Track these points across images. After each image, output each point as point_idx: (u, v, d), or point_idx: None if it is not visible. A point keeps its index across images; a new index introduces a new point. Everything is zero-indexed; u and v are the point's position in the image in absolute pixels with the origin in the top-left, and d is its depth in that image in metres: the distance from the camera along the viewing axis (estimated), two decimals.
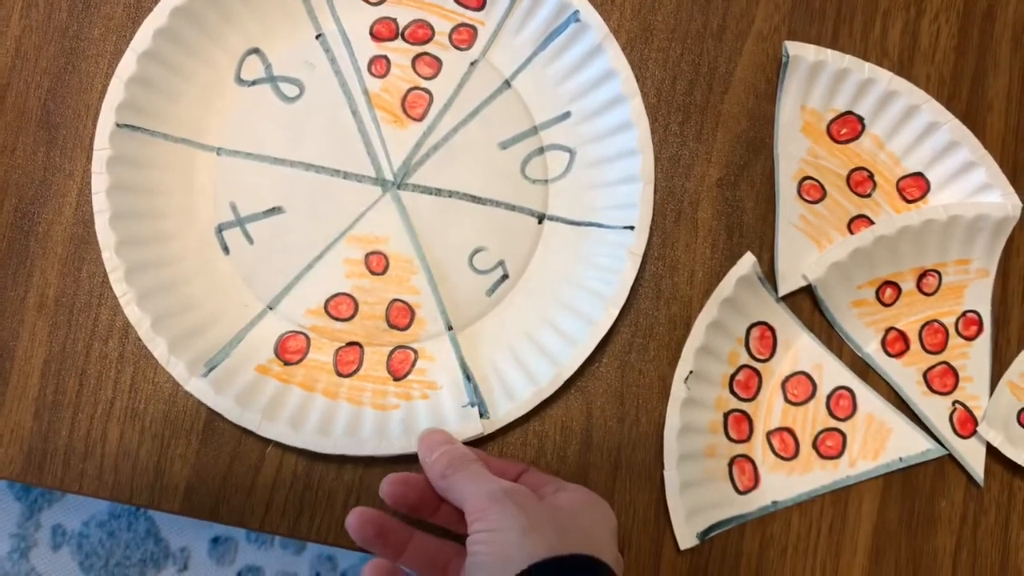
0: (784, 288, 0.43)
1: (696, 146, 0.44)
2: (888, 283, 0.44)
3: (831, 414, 0.43)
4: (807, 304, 0.44)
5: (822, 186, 0.44)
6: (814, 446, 0.43)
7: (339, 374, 0.42)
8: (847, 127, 0.44)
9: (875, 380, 0.44)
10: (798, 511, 0.43)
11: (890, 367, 0.43)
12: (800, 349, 0.44)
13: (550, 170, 0.44)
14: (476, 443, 0.41)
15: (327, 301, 0.42)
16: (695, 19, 0.45)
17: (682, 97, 0.44)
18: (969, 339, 0.44)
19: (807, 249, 0.43)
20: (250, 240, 0.43)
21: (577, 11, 0.42)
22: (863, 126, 0.44)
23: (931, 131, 0.43)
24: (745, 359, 0.43)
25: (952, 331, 0.44)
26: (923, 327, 0.44)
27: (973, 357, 0.44)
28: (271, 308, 0.42)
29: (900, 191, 0.44)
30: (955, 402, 0.43)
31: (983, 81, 0.45)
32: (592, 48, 0.42)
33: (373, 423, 0.41)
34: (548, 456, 0.43)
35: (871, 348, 0.44)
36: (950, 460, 0.43)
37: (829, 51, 0.43)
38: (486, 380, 0.42)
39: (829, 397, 0.43)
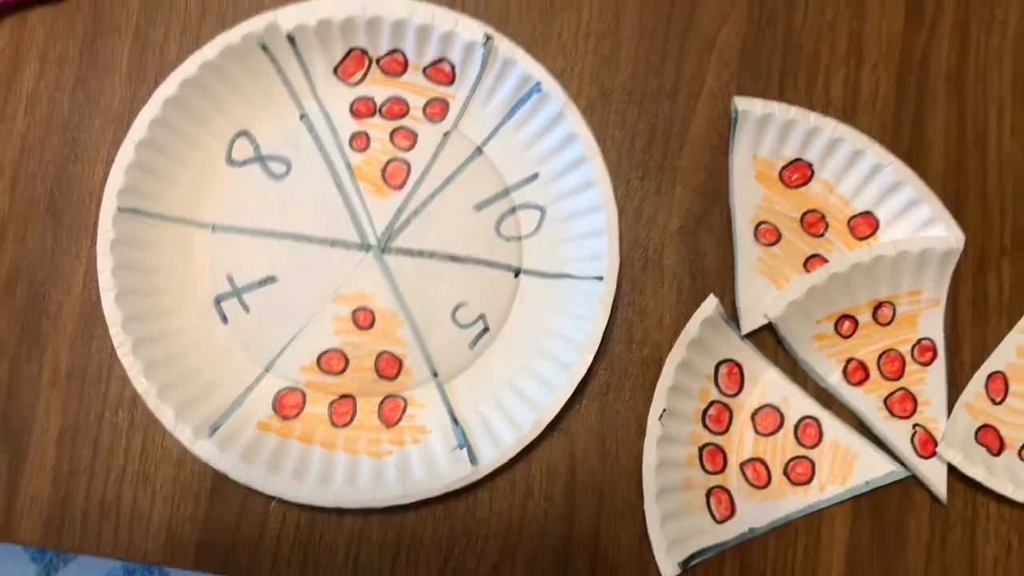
0: (747, 327, 0.46)
1: (657, 199, 0.48)
2: (845, 316, 0.47)
3: (799, 443, 0.46)
4: (770, 340, 0.47)
5: (777, 229, 0.47)
6: (785, 474, 0.46)
7: (334, 425, 0.45)
8: (797, 173, 0.47)
9: (839, 408, 0.47)
10: (774, 536, 0.45)
11: (852, 395, 0.46)
12: (766, 383, 0.46)
13: (523, 227, 0.47)
14: (466, 488, 0.44)
15: (319, 357, 0.45)
16: (650, 82, 0.48)
17: (641, 154, 0.48)
18: (925, 365, 0.46)
19: (766, 289, 0.46)
20: (246, 309, 0.46)
21: (539, 83, 0.45)
22: (812, 171, 0.47)
23: (876, 173, 0.46)
24: (715, 395, 0.46)
25: (908, 358, 0.47)
26: (881, 356, 0.47)
27: (929, 382, 0.46)
28: (268, 370, 0.45)
29: (851, 230, 0.47)
30: (915, 425, 0.46)
31: (922, 123, 0.48)
32: (554, 115, 0.45)
33: (369, 470, 0.44)
34: (535, 497, 0.45)
35: (833, 379, 0.47)
36: (914, 480, 0.46)
37: (776, 104, 0.46)
38: (472, 428, 0.45)
39: (796, 427, 0.46)
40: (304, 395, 0.45)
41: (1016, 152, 0.48)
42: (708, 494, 0.45)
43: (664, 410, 0.44)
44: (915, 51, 0.49)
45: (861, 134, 0.46)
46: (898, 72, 0.49)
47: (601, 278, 0.45)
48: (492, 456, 0.43)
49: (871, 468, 0.45)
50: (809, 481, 0.45)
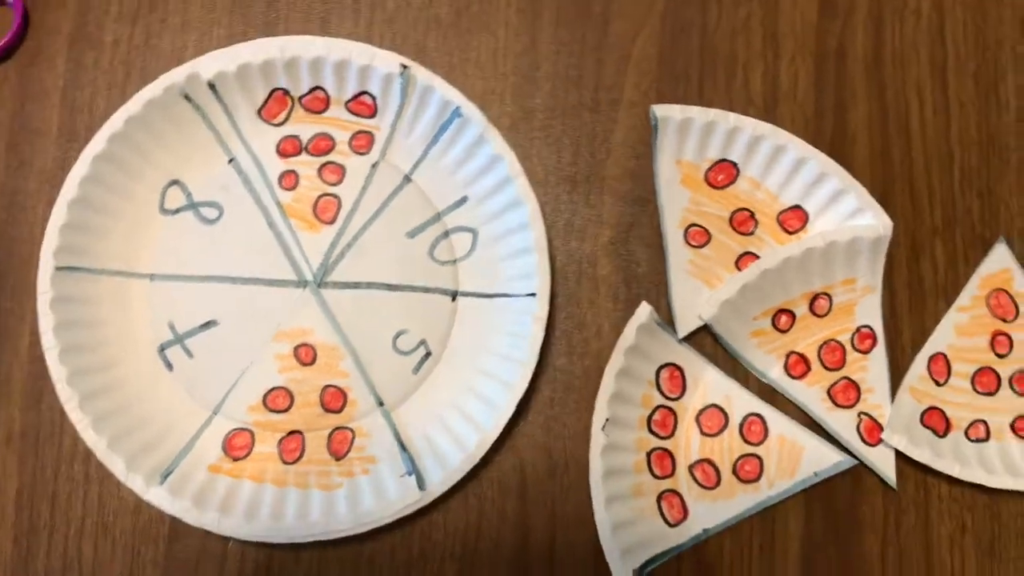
0: (683, 330, 0.46)
1: (587, 211, 0.48)
2: (782, 311, 0.47)
3: (745, 440, 0.46)
4: (709, 340, 0.47)
5: (707, 231, 0.48)
6: (734, 473, 0.46)
7: (284, 462, 0.46)
8: (723, 173, 0.48)
9: (783, 403, 0.47)
10: (729, 536, 0.46)
11: (795, 389, 0.47)
12: (708, 384, 0.47)
13: (457, 251, 0.48)
14: (419, 512, 0.44)
15: (265, 396, 0.46)
16: (570, 96, 0.49)
17: (568, 168, 0.48)
18: (865, 352, 0.47)
19: (700, 290, 0.47)
20: (190, 355, 0.46)
21: (458, 107, 0.46)
22: (738, 170, 0.48)
23: (800, 166, 0.47)
24: (659, 400, 0.46)
25: (849, 347, 0.47)
26: (821, 347, 0.47)
27: (871, 369, 0.47)
28: (215, 413, 0.46)
29: (781, 224, 0.48)
30: (860, 413, 0.46)
31: (844, 113, 0.49)
32: (476, 138, 0.46)
33: (320, 503, 0.44)
34: (488, 515, 0.46)
35: (775, 373, 0.47)
36: (864, 468, 0.46)
37: (694, 108, 0.47)
38: (421, 453, 0.45)
39: (741, 425, 0.46)
40: (253, 435, 0.46)
41: (939, 135, 0.49)
42: (659, 499, 0.46)
43: (607, 419, 0.44)
44: (831, 41, 0.50)
45: (781, 130, 0.47)
46: (816, 64, 0.49)
47: (534, 295, 0.45)
48: (439, 479, 0.44)
49: (818, 460, 0.46)
50: (758, 478, 0.46)
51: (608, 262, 0.48)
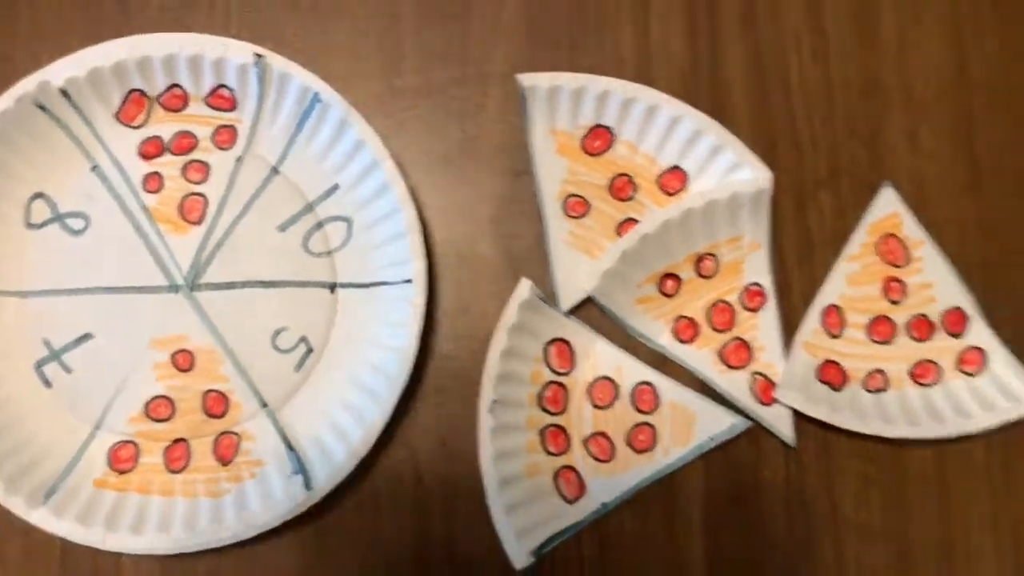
0: (566, 303, 0.45)
1: (465, 188, 0.47)
2: (667, 275, 0.46)
3: (637, 410, 0.45)
4: (596, 312, 0.46)
5: (586, 200, 0.46)
6: (628, 443, 0.45)
7: (171, 471, 0.45)
8: (599, 139, 0.47)
9: (676, 369, 0.46)
10: (629, 507, 0.45)
11: (685, 353, 0.46)
12: (598, 355, 0.46)
13: (332, 241, 0.46)
14: (305, 514, 0.43)
15: (146, 406, 0.45)
16: (437, 71, 0.47)
17: (441, 146, 0.47)
18: (755, 311, 0.46)
19: (581, 262, 0.46)
20: (68, 370, 0.45)
21: (317, 93, 0.45)
22: (613, 135, 0.47)
23: (674, 126, 0.45)
24: (548, 376, 0.45)
25: (738, 307, 0.46)
26: (709, 309, 0.46)
27: (762, 327, 0.46)
28: (98, 427, 0.45)
29: (662, 187, 0.47)
30: (754, 373, 0.45)
31: (720, 67, 0.47)
32: (339, 123, 0.45)
33: (209, 511, 0.43)
34: (384, 509, 0.45)
35: (664, 339, 0.46)
36: (762, 429, 0.45)
37: (562, 75, 0.45)
38: (308, 452, 0.44)
39: (632, 394, 0.45)
40: (137, 446, 0.45)
41: (819, 81, 0.48)
42: (555, 476, 0.45)
43: (494, 400, 0.43)
44: None
45: (653, 90, 0.46)
46: (687, 18, 0.48)
47: (410, 281, 0.44)
48: (327, 475, 0.43)
49: (712, 424, 0.45)
50: (653, 447, 0.45)
51: (489, 240, 0.47)
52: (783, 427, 0.45)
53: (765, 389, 0.45)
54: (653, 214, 0.45)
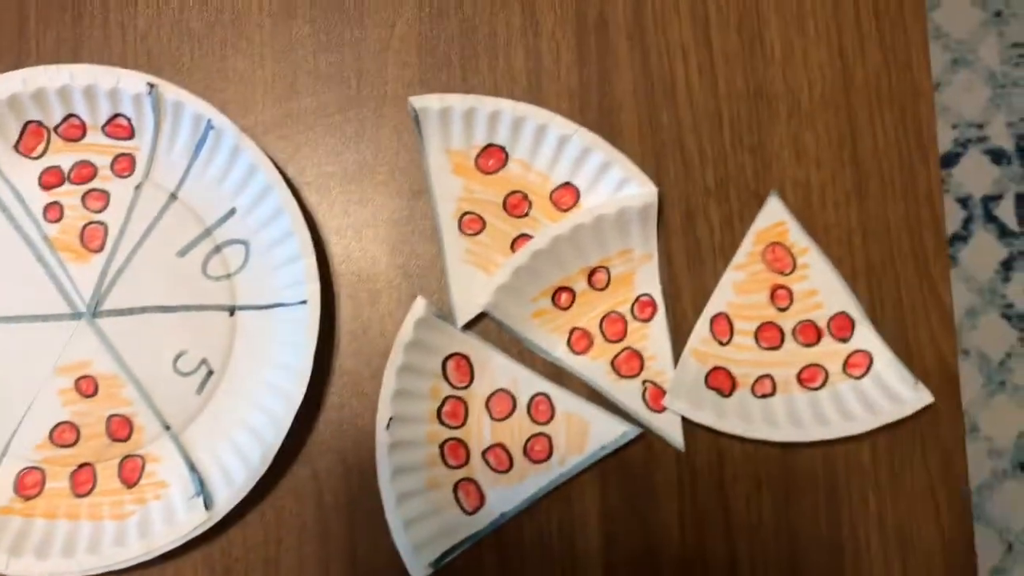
0: (462, 319, 0.46)
1: (361, 209, 0.48)
2: (561, 289, 0.47)
3: (533, 420, 0.46)
4: (493, 326, 0.47)
5: (481, 217, 0.47)
6: (525, 454, 0.46)
7: (77, 495, 0.45)
8: (492, 158, 0.48)
9: (571, 379, 0.47)
10: (527, 517, 0.46)
11: (579, 364, 0.47)
12: (495, 369, 0.47)
13: (230, 264, 0.47)
14: (207, 532, 0.44)
15: (51, 432, 0.46)
16: (332, 95, 0.48)
17: (337, 168, 0.48)
18: (646, 321, 0.47)
19: (477, 278, 0.47)
20: None
21: (210, 120, 0.45)
22: (506, 154, 0.48)
23: (564, 144, 0.46)
24: (447, 391, 0.46)
25: (629, 317, 0.47)
26: (602, 320, 0.47)
27: (652, 337, 0.47)
28: (3, 455, 0.46)
29: (555, 203, 0.48)
30: (644, 382, 0.46)
31: (609, 84, 0.48)
32: (232, 149, 0.46)
33: (113, 533, 0.44)
34: (288, 526, 0.46)
35: (559, 351, 0.47)
36: (655, 436, 0.46)
37: (452, 96, 0.46)
38: (211, 473, 0.45)
39: (528, 406, 0.46)
40: (43, 472, 0.46)
41: (706, 94, 0.49)
42: (455, 488, 0.46)
43: (391, 418, 0.44)
44: (591, 12, 0.49)
45: (542, 109, 0.47)
46: (577, 36, 0.49)
47: (305, 302, 0.45)
48: (226, 498, 0.44)
49: (605, 433, 0.46)
50: (549, 457, 0.46)
51: (387, 260, 0.47)
52: (673, 433, 0.46)
53: (656, 397, 0.46)
54: (545, 230, 0.46)
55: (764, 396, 0.46)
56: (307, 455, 0.46)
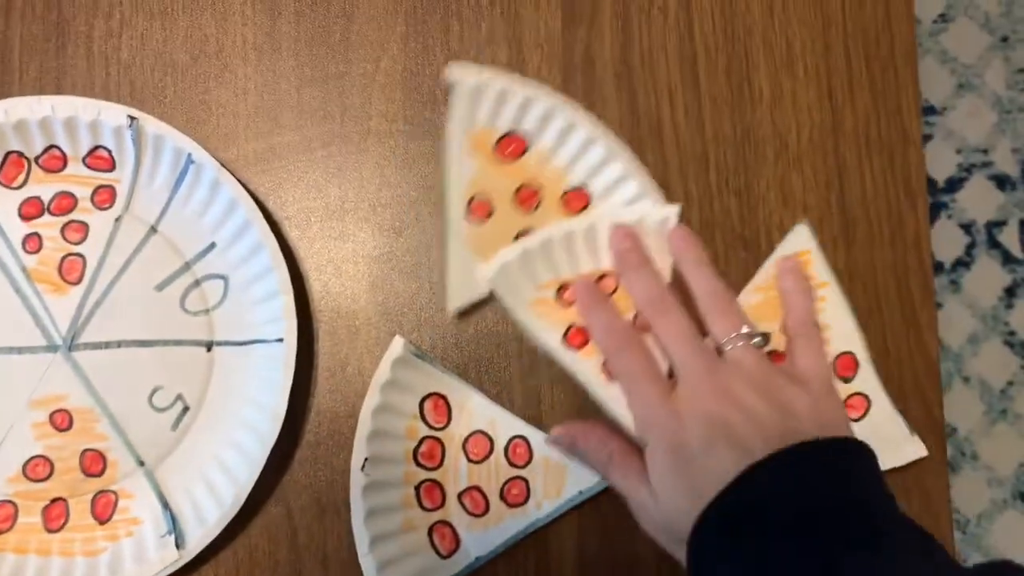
0: (454, 304, 0.46)
1: (341, 245, 0.47)
2: (567, 286, 0.46)
3: (511, 464, 0.46)
4: (473, 366, 0.47)
5: (490, 204, 0.46)
6: (502, 497, 0.45)
7: (49, 531, 0.45)
8: (512, 146, 0.47)
9: (550, 423, 0.46)
10: (503, 561, 0.45)
11: (570, 359, 0.45)
12: (472, 409, 0.46)
13: (209, 299, 0.47)
14: (178, 572, 0.44)
15: (24, 466, 0.46)
16: (314, 130, 0.48)
17: (319, 204, 0.48)
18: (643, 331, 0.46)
19: (474, 265, 0.46)
20: None
21: (190, 154, 0.45)
22: (527, 145, 0.47)
23: (588, 147, 0.46)
24: (424, 431, 0.46)
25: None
26: None
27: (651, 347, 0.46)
28: None
29: (565, 204, 0.47)
30: None
31: (596, 120, 0.48)
32: (213, 183, 0.45)
33: (83, 571, 0.44)
34: (260, 565, 0.45)
35: (552, 343, 0.45)
36: None
37: (490, 73, 0.46)
38: (183, 511, 0.45)
39: (506, 448, 0.46)
40: (16, 506, 0.45)
41: (693, 136, 0.48)
42: (430, 531, 0.45)
43: (366, 459, 0.44)
44: (577, 48, 0.49)
45: (574, 108, 0.46)
46: (563, 74, 0.48)
47: (282, 340, 0.44)
48: (198, 536, 0.43)
49: (583, 478, 0.45)
50: (526, 501, 0.45)
51: (367, 297, 0.47)
52: None
53: None
54: (560, 224, 0.46)
55: None
56: (281, 493, 0.46)
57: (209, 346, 0.47)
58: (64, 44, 0.48)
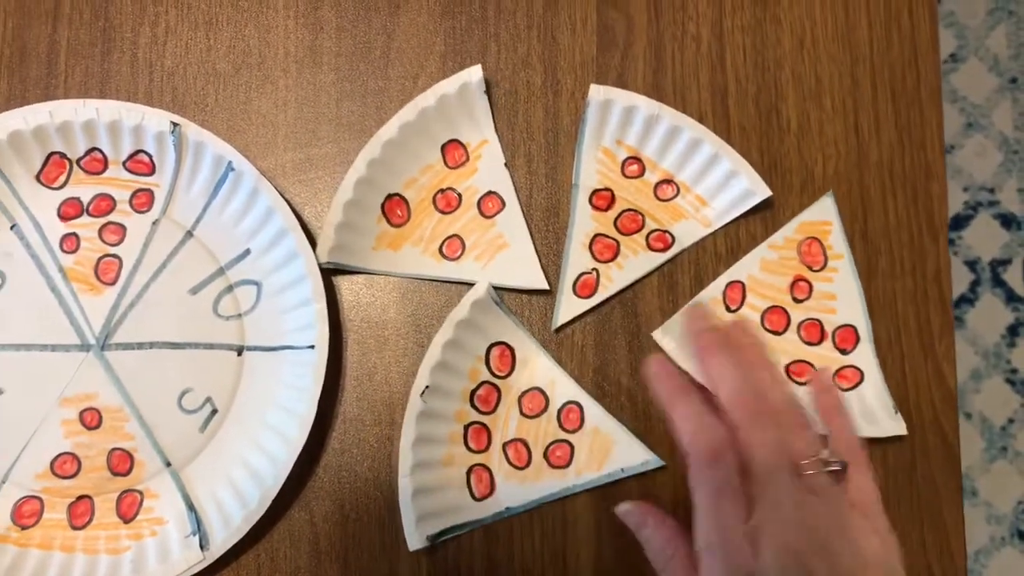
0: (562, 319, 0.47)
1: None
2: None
3: (561, 426, 0.47)
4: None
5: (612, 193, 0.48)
6: (545, 456, 0.46)
7: (74, 528, 0.46)
8: (635, 165, 0.49)
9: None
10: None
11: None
12: (536, 367, 0.47)
13: (242, 304, 0.47)
14: (200, 573, 0.44)
15: (52, 462, 0.46)
16: (351, 143, 0.49)
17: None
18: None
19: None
20: None
21: (231, 161, 0.46)
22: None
23: (731, 180, 0.48)
24: (486, 375, 0.47)
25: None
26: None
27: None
28: (4, 482, 0.46)
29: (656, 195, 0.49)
30: None
31: None
32: (251, 191, 0.46)
33: (106, 569, 0.44)
34: (281, 570, 0.46)
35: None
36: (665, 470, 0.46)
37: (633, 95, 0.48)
38: (208, 512, 0.45)
39: (560, 411, 0.47)
40: (42, 502, 0.46)
41: None
42: (469, 472, 0.46)
43: (427, 387, 0.45)
44: (611, 74, 0.50)
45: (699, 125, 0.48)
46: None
47: (313, 347, 0.45)
48: (223, 537, 0.44)
49: (627, 456, 0.46)
50: (567, 465, 0.46)
51: (396, 307, 0.48)
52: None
53: None
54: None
55: None
56: (305, 499, 0.46)
57: (240, 350, 0.47)
58: (109, 50, 0.49)
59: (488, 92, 0.48)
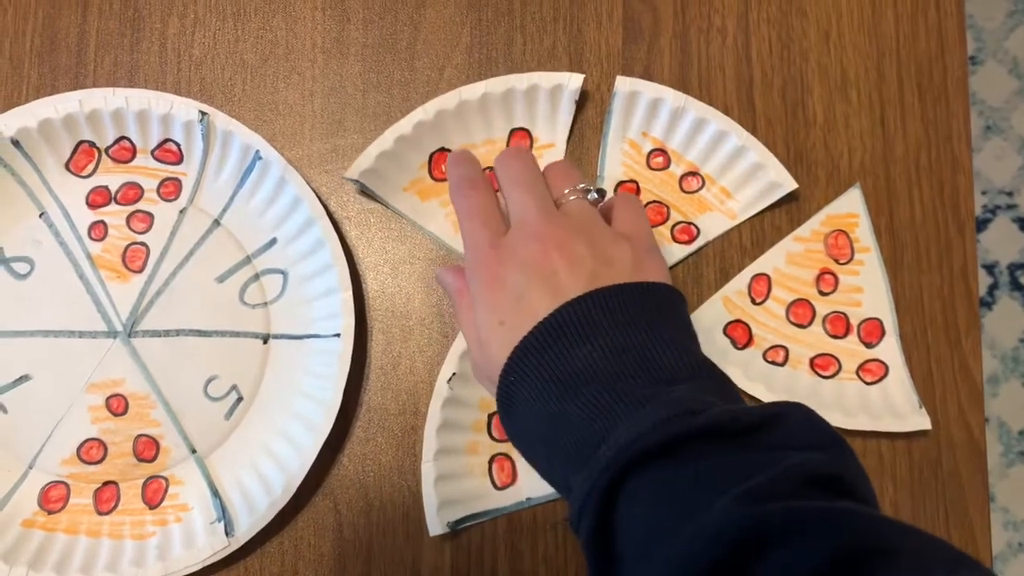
0: None
1: (399, 246, 0.48)
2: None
3: None
4: None
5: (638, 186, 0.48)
6: None
7: (99, 513, 0.46)
8: (661, 157, 0.49)
9: None
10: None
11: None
12: None
13: (268, 293, 0.48)
14: (225, 559, 0.44)
15: (79, 448, 0.46)
16: (377, 133, 0.49)
17: (379, 205, 0.49)
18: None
19: None
20: (4, 410, 0.47)
21: (258, 151, 0.46)
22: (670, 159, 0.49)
23: (757, 172, 0.48)
24: None
25: None
26: None
27: None
28: (31, 467, 0.46)
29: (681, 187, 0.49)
30: None
31: None
32: (278, 180, 0.46)
33: (132, 554, 0.44)
34: (306, 557, 0.46)
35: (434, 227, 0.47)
36: None
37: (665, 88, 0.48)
38: (233, 499, 0.45)
39: None
40: (68, 487, 0.46)
41: None
42: (492, 460, 0.46)
43: (454, 373, 0.45)
44: (636, 67, 0.50)
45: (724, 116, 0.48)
46: None
47: (339, 335, 0.45)
48: (248, 524, 0.44)
49: None
50: None
51: (421, 297, 0.48)
52: None
53: None
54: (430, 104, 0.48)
55: (773, 363, 0.46)
56: (329, 487, 0.46)
57: (266, 339, 0.47)
58: (139, 40, 0.50)
59: None
